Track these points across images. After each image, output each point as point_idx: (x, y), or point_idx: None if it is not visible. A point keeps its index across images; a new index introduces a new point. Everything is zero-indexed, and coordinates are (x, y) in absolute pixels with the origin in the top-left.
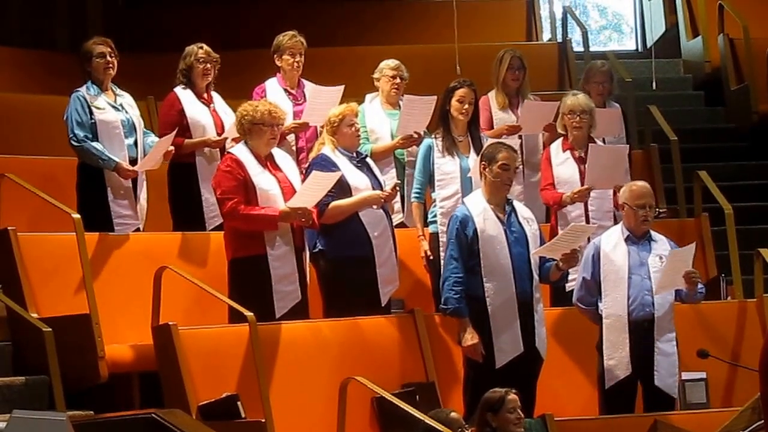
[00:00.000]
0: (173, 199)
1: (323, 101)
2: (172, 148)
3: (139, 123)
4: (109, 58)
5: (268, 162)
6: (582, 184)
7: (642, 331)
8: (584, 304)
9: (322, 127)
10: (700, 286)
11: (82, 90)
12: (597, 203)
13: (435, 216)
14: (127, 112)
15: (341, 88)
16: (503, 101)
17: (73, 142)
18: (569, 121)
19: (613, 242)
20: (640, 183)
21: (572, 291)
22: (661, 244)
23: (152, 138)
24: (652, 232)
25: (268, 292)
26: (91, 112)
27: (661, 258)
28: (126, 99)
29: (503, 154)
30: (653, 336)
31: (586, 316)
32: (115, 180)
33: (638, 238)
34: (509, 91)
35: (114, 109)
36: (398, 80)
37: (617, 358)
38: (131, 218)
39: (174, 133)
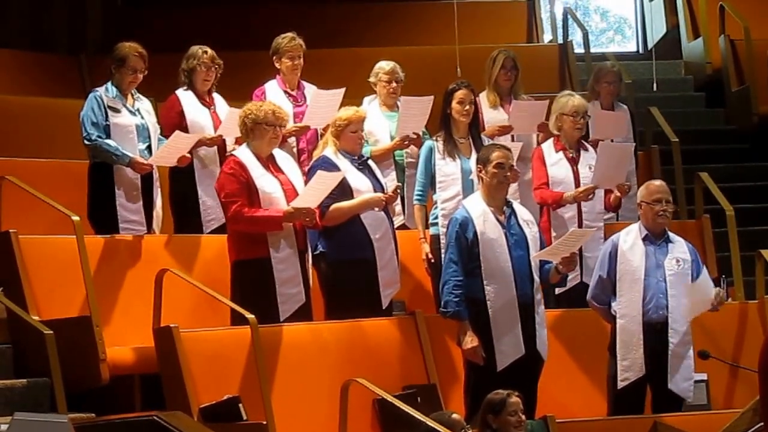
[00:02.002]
0: (173, 201)
1: (324, 104)
2: (189, 155)
3: (154, 129)
4: (138, 74)
5: (270, 164)
6: (576, 185)
7: (656, 334)
8: (598, 302)
9: (324, 129)
10: None
11: (101, 91)
12: (589, 205)
13: (436, 218)
14: (143, 117)
15: (342, 90)
16: (494, 99)
17: (86, 141)
18: (572, 122)
19: (630, 241)
20: (657, 182)
21: (568, 292)
22: (679, 245)
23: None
24: (670, 233)
25: (272, 294)
26: (106, 114)
27: (678, 261)
28: (144, 104)
29: (496, 154)
30: (667, 338)
31: (599, 314)
32: (127, 182)
33: (656, 237)
34: (501, 90)
35: (130, 113)
36: (394, 84)
37: (631, 359)
38: (138, 223)
39: (197, 137)
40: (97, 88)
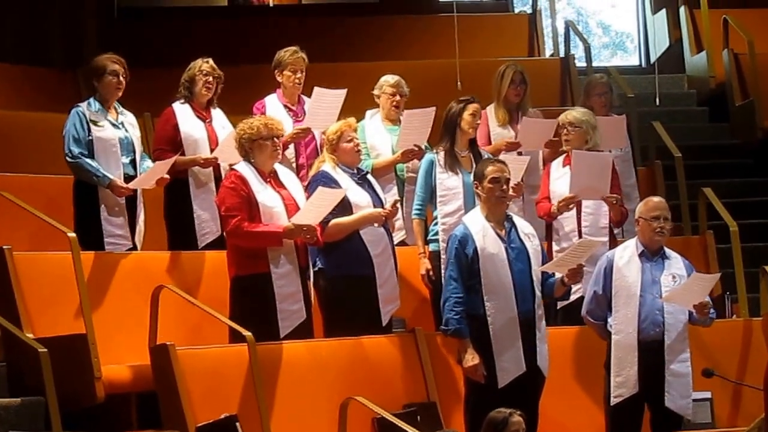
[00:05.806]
0: (168, 216)
1: (326, 105)
2: (167, 176)
3: (138, 143)
4: (121, 78)
5: (272, 179)
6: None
7: (651, 351)
8: (593, 318)
9: (322, 144)
10: (711, 312)
11: (83, 106)
12: (591, 219)
13: (436, 234)
14: (126, 131)
15: (344, 91)
16: (504, 117)
17: (68, 158)
18: (562, 134)
19: (627, 257)
20: (656, 198)
21: (569, 307)
22: (675, 262)
23: (148, 163)
24: (667, 250)
25: (272, 311)
26: (89, 129)
27: (674, 277)
28: (128, 118)
29: (491, 168)
30: (663, 356)
31: (594, 330)
32: (110, 198)
33: (652, 254)
34: (510, 106)
35: (114, 126)
36: (398, 97)
37: (625, 375)
38: (123, 238)
39: (173, 159)
40: (79, 104)
